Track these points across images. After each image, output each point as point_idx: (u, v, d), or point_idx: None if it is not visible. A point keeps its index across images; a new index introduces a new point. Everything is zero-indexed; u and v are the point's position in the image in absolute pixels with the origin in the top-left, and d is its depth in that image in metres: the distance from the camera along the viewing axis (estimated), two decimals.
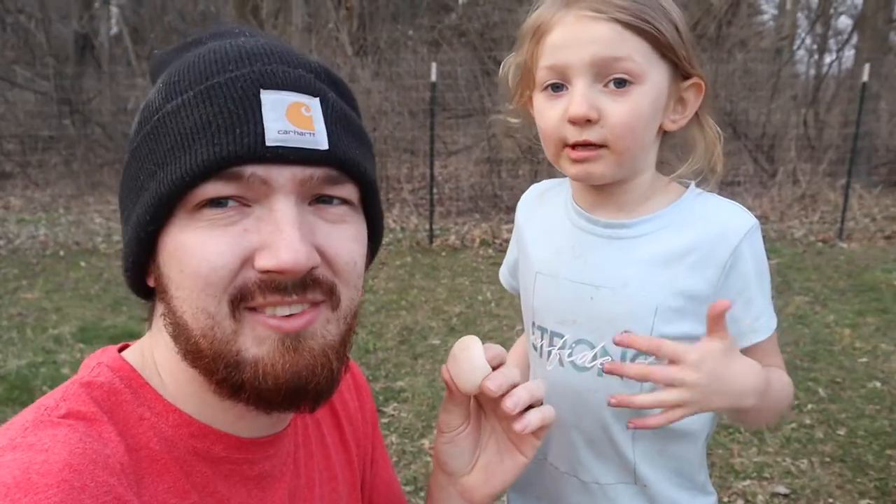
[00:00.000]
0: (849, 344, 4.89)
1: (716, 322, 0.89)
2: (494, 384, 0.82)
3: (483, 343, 0.84)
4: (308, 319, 0.68)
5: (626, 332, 0.93)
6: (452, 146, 11.03)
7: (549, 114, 1.04)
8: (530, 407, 0.84)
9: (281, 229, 0.64)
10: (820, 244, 7.97)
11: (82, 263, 7.38)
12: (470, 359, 0.82)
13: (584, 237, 1.12)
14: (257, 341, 0.67)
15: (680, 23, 1.01)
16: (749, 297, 1.04)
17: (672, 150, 1.12)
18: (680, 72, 1.03)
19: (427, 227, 8.46)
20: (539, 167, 8.84)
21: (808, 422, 3.78)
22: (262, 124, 0.64)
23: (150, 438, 0.69)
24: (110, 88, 11.90)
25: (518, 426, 0.83)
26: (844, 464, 3.39)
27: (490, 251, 7.84)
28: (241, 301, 0.66)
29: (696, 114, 1.07)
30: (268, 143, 0.64)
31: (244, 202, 0.66)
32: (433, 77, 7.99)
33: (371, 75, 10.08)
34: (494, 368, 0.83)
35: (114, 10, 16.19)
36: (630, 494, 1.11)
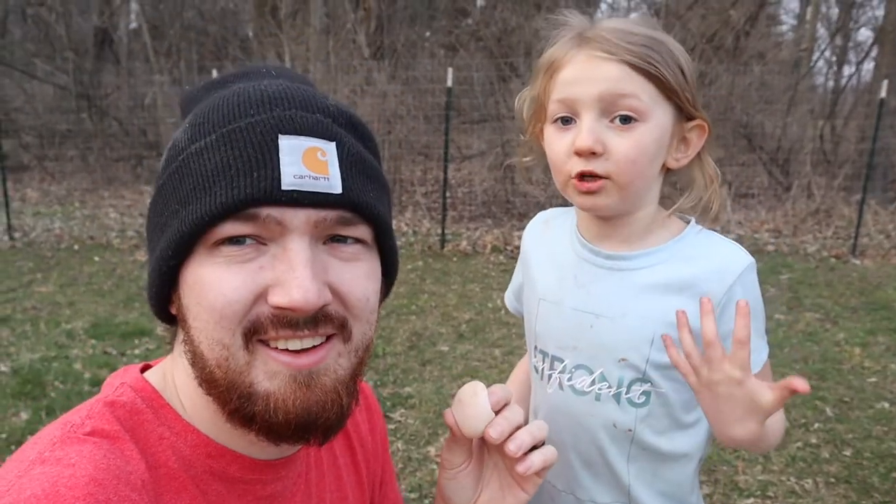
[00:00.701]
0: (858, 363, 4.87)
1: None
2: (496, 432, 0.84)
3: (489, 384, 0.87)
4: (321, 356, 0.71)
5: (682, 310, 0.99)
6: (467, 151, 11.06)
7: (557, 146, 1.09)
8: (534, 447, 0.86)
9: (293, 268, 0.67)
10: (833, 260, 7.92)
11: (96, 258, 7.46)
12: (475, 405, 0.85)
13: (586, 267, 1.16)
14: (269, 375, 0.70)
15: (686, 67, 1.06)
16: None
17: (674, 186, 1.16)
18: (684, 113, 1.08)
19: (439, 231, 8.49)
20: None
21: (814, 441, 3.77)
22: (279, 169, 0.67)
23: (168, 457, 0.73)
24: (128, 84, 12.01)
25: (521, 468, 0.85)
26: (850, 485, 3.38)
27: (501, 258, 7.86)
28: (253, 334, 0.69)
29: (699, 153, 1.12)
30: (283, 188, 0.67)
31: (261, 241, 0.69)
32: (449, 82, 8.02)
33: (387, 78, 10.12)
34: (498, 412, 0.85)
35: (133, 5, 16.33)
36: None
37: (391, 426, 3.89)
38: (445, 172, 8.57)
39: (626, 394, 1.10)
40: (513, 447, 0.84)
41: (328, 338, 0.72)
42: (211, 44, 14.90)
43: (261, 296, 0.68)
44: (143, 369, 0.82)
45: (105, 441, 0.69)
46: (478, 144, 11.08)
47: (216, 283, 0.68)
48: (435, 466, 3.49)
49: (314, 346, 0.71)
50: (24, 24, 15.24)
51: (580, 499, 1.17)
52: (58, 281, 6.53)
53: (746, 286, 1.07)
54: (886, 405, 4.23)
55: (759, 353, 1.09)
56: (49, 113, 11.79)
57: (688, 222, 1.14)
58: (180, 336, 0.76)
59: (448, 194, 8.82)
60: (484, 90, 10.12)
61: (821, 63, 13.79)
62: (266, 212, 0.67)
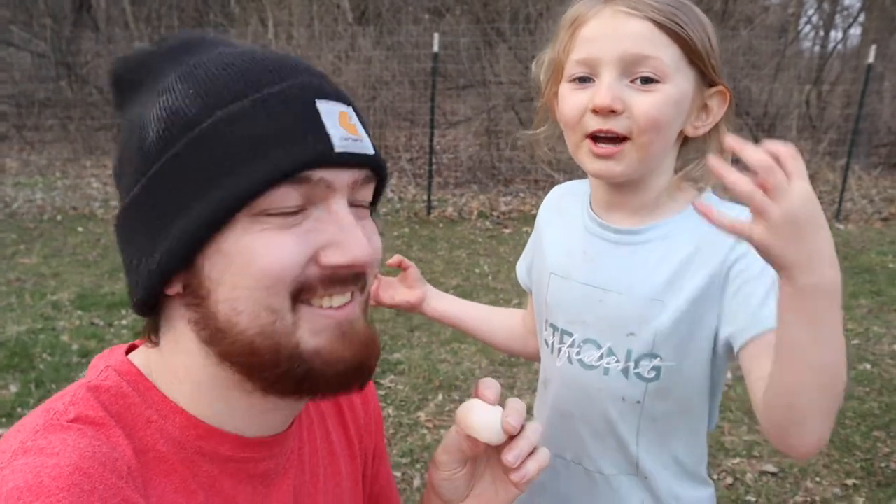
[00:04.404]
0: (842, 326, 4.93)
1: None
2: (513, 455, 0.84)
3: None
4: (353, 307, 0.76)
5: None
6: (452, 117, 10.98)
7: (572, 101, 1.05)
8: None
9: (345, 228, 0.71)
10: None
11: (80, 229, 7.39)
12: (490, 413, 0.85)
13: (595, 242, 1.15)
14: (314, 332, 0.72)
15: (711, 33, 1.03)
16: (749, 292, 1.04)
17: (688, 162, 1.13)
18: (706, 80, 1.05)
19: (425, 197, 8.46)
20: None
21: None
22: (327, 132, 0.70)
23: (157, 440, 0.71)
24: (108, 51, 11.76)
25: (516, 477, 0.85)
26: (832, 444, 3.46)
27: (488, 223, 7.85)
28: (300, 295, 0.71)
29: (717, 123, 1.08)
30: (336, 150, 0.70)
31: (304, 205, 0.71)
32: (435, 47, 7.92)
33: (372, 44, 9.98)
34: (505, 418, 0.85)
35: None
36: (631, 485, 1.15)
37: (381, 392, 3.91)
38: (431, 139, 8.51)
39: (635, 368, 1.09)
40: (511, 458, 0.84)
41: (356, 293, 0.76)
42: (192, 9, 14.58)
43: (311, 258, 0.70)
44: (130, 349, 0.80)
45: (89, 428, 0.67)
46: (463, 110, 10.99)
47: (271, 249, 0.69)
48: (426, 431, 3.52)
49: (348, 300, 0.75)
50: None
51: (588, 469, 1.17)
52: (41, 252, 6.46)
53: (744, 246, 1.03)
54: (868, 366, 4.31)
55: (771, 310, 1.03)
56: (27, 81, 11.52)
57: (702, 193, 1.11)
58: (182, 318, 0.73)
59: (434, 160, 8.78)
60: (470, 55, 10.01)
61: (808, 28, 13.75)
62: (319, 174, 0.69)
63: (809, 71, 11.31)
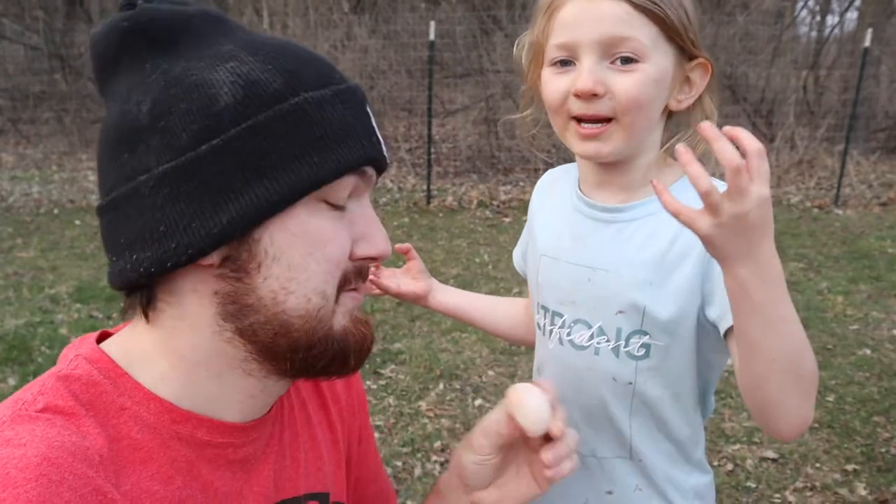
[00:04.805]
0: (841, 311, 4.95)
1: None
2: (553, 454, 0.86)
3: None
4: (361, 293, 0.81)
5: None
6: (450, 106, 10.94)
7: (554, 86, 1.06)
8: None
9: (372, 223, 0.77)
10: (816, 210, 7.99)
11: (77, 222, 7.36)
12: (541, 405, 0.86)
13: (583, 221, 1.15)
14: (341, 315, 0.76)
15: (688, 6, 1.03)
16: None
17: (673, 134, 1.13)
18: (686, 54, 1.05)
19: (424, 187, 8.44)
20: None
21: None
22: (377, 132, 0.75)
23: (131, 428, 0.70)
24: None
25: (550, 473, 0.87)
26: (832, 430, 3.47)
27: (487, 213, 7.84)
28: (343, 284, 0.75)
29: (700, 95, 1.09)
30: (384, 151, 0.76)
31: (349, 196, 0.74)
32: (431, 36, 7.88)
33: (368, 33, 9.94)
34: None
35: None
36: (626, 468, 1.14)
37: (382, 382, 3.91)
38: (429, 128, 8.48)
39: (626, 347, 1.09)
40: (552, 456, 0.85)
41: None
42: None
43: (351, 249, 0.75)
44: (101, 338, 0.78)
45: (59, 417, 0.65)
46: (461, 99, 10.95)
47: (333, 235, 0.73)
48: (427, 420, 3.53)
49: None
50: None
51: (581, 453, 1.15)
52: (39, 246, 6.44)
53: None
54: (868, 351, 4.32)
55: None
56: (21, 74, 11.46)
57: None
58: (191, 294, 0.71)
59: (432, 150, 8.75)
60: (467, 44, 9.96)
61: (804, 13, 13.69)
62: (370, 171, 0.75)
63: (806, 56, 11.25)
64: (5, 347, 4.23)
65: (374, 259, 0.77)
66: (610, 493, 1.16)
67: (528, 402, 0.85)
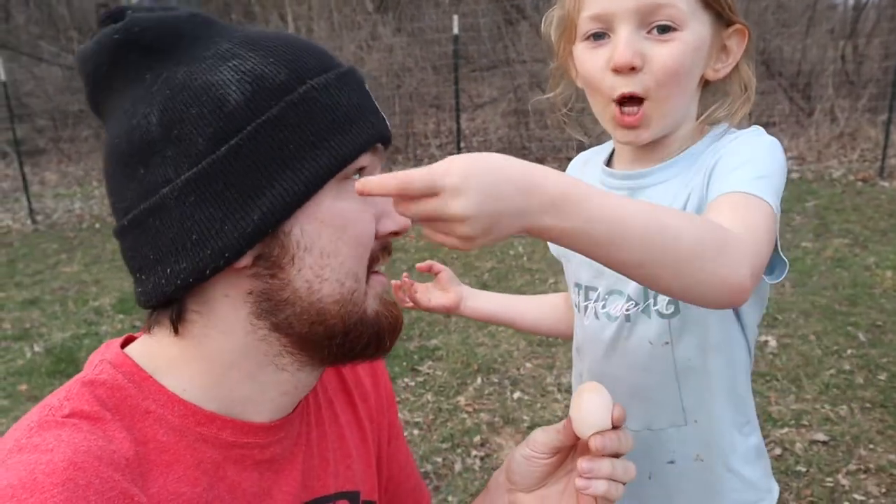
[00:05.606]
0: (890, 286, 4.77)
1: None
2: (587, 464, 0.82)
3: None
4: (385, 274, 0.81)
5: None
6: (478, 99, 10.89)
7: (590, 63, 1.02)
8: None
9: (387, 199, 0.74)
10: (860, 183, 7.73)
11: None
12: (597, 409, 0.82)
13: (606, 189, 1.12)
14: (372, 298, 0.77)
15: None
16: (727, 164, 0.96)
17: (709, 105, 1.10)
18: (723, 20, 1.02)
19: None
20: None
21: (847, 367, 3.72)
22: (379, 110, 0.77)
23: (156, 431, 0.70)
24: None
25: (580, 483, 0.81)
26: (885, 409, 3.35)
27: None
28: (371, 264, 0.76)
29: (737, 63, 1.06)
30: (389, 126, 0.78)
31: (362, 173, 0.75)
32: (455, 30, 7.85)
33: (393, 31, 9.95)
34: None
35: None
36: (683, 436, 1.11)
37: (420, 378, 3.91)
38: (458, 123, 8.46)
39: (655, 305, 1.06)
40: (585, 465, 0.81)
41: None
42: (215, 11, 14.76)
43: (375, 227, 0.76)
44: (126, 342, 0.78)
45: (85, 422, 0.66)
46: (489, 92, 10.90)
47: (360, 215, 0.73)
48: (465, 416, 3.51)
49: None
50: (27, 6, 15.16)
51: (634, 429, 1.12)
52: (82, 260, 6.61)
53: (741, 134, 1.02)
54: None
55: (749, 182, 0.92)
56: (60, 94, 11.78)
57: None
58: (222, 300, 0.71)
59: (463, 144, 8.72)
60: (491, 35, 9.91)
61: None
62: (380, 147, 0.77)
63: (843, 24, 10.88)
64: (53, 360, 4.35)
65: (396, 234, 0.77)
66: (672, 462, 1.12)
67: (586, 401, 0.83)
